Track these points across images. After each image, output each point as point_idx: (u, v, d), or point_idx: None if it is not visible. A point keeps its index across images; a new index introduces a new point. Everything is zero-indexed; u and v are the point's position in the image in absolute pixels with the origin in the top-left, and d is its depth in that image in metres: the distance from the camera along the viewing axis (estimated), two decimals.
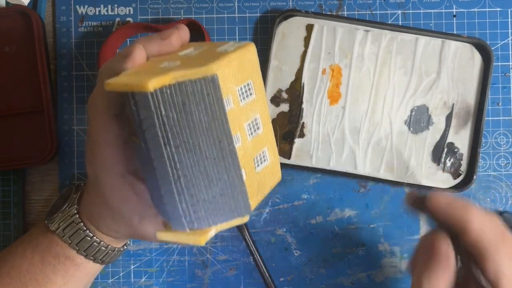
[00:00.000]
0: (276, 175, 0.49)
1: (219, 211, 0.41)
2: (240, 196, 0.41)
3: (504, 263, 0.37)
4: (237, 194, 0.41)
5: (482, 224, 0.38)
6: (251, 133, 0.44)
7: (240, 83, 0.42)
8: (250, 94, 0.43)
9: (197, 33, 0.56)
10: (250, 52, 0.43)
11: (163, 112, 0.38)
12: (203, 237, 0.41)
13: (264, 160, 0.46)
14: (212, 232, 0.42)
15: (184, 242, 0.42)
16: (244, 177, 0.41)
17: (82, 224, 0.48)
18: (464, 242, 0.38)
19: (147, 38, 0.43)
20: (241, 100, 0.42)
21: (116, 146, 0.42)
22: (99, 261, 0.50)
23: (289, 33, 0.56)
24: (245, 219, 0.42)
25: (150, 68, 0.40)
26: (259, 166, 0.45)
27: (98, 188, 0.45)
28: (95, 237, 0.48)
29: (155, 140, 0.39)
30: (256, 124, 0.44)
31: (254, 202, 0.45)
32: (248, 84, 0.43)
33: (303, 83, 0.56)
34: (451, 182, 0.56)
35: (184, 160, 0.39)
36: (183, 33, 0.44)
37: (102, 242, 0.49)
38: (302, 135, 0.56)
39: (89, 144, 0.44)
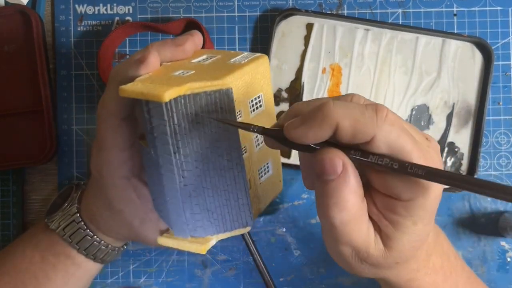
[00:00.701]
0: (278, 187, 0.49)
1: (222, 220, 0.41)
2: (243, 208, 0.41)
3: (387, 130, 0.31)
4: (241, 205, 0.41)
5: (347, 118, 0.31)
6: (258, 144, 0.44)
7: (251, 96, 0.42)
8: (260, 106, 0.43)
9: None
10: (263, 65, 0.43)
11: (176, 121, 0.38)
12: (205, 246, 0.42)
13: (268, 171, 0.46)
14: (213, 241, 0.42)
15: (185, 249, 0.42)
16: (248, 188, 0.41)
17: (83, 223, 0.48)
18: (341, 141, 0.32)
19: (161, 43, 0.43)
20: (251, 112, 0.42)
21: (123, 149, 0.43)
22: (99, 260, 0.50)
23: (289, 32, 0.56)
24: (246, 229, 0.42)
25: (164, 76, 0.40)
26: (262, 177, 0.46)
27: (101, 189, 0.45)
28: (95, 237, 0.48)
29: (165, 147, 0.39)
30: None
31: (256, 212, 0.45)
32: (259, 97, 0.43)
33: (303, 82, 0.56)
34: None
35: (192, 169, 0.39)
36: (197, 39, 0.44)
37: (102, 242, 0.49)
38: None
39: (96, 145, 0.44)
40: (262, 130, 0.35)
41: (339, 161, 0.32)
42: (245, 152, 0.42)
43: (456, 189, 0.55)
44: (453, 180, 0.30)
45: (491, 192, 0.29)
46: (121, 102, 0.41)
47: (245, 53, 0.44)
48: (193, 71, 0.40)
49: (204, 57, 0.44)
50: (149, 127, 0.39)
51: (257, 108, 0.43)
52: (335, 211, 0.33)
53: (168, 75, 0.40)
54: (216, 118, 0.38)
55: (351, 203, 0.33)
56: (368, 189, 0.35)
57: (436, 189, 0.33)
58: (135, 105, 0.42)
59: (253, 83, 0.42)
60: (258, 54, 0.44)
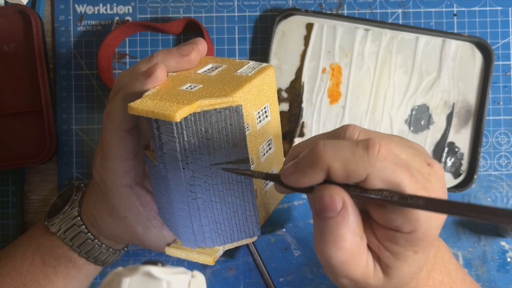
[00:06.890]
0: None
1: (230, 232, 0.42)
2: (251, 219, 0.42)
3: (381, 166, 0.31)
4: (248, 217, 0.41)
5: (337, 160, 0.31)
6: (264, 154, 0.44)
7: (258, 108, 0.42)
8: (266, 116, 0.44)
9: (197, 32, 0.56)
10: (269, 76, 0.43)
11: (186, 138, 0.38)
12: (213, 257, 0.42)
13: None
14: (220, 251, 0.43)
15: (193, 260, 0.43)
16: (256, 199, 0.41)
17: (84, 226, 0.48)
18: (336, 182, 0.32)
19: (166, 53, 0.43)
20: (258, 123, 0.43)
21: (128, 159, 0.43)
22: (100, 263, 0.50)
23: (289, 32, 0.56)
24: (253, 239, 0.43)
25: (172, 91, 0.39)
26: (268, 185, 0.46)
27: (104, 195, 0.45)
28: (96, 240, 0.48)
29: (174, 163, 0.39)
30: (269, 145, 0.45)
31: (261, 220, 0.46)
32: (265, 107, 0.43)
33: (303, 82, 0.56)
34: (451, 181, 0.56)
35: (201, 184, 0.39)
36: (202, 48, 0.44)
37: (103, 245, 0.49)
38: (301, 134, 0.56)
39: (100, 154, 0.44)
40: (265, 176, 0.36)
41: (339, 198, 0.32)
42: (252, 164, 0.42)
43: (460, 189, 0.55)
44: (454, 209, 0.30)
45: (494, 218, 0.29)
46: (126, 115, 0.41)
47: (251, 63, 0.44)
48: (201, 85, 0.40)
49: (209, 66, 0.44)
50: (158, 143, 0.39)
51: (263, 119, 0.43)
52: (332, 250, 0.32)
53: (176, 89, 0.39)
54: (224, 168, 0.38)
55: (349, 242, 0.32)
56: (368, 220, 0.34)
57: (437, 219, 0.33)
58: (142, 120, 0.42)
59: (260, 95, 0.42)
60: (264, 65, 0.43)
